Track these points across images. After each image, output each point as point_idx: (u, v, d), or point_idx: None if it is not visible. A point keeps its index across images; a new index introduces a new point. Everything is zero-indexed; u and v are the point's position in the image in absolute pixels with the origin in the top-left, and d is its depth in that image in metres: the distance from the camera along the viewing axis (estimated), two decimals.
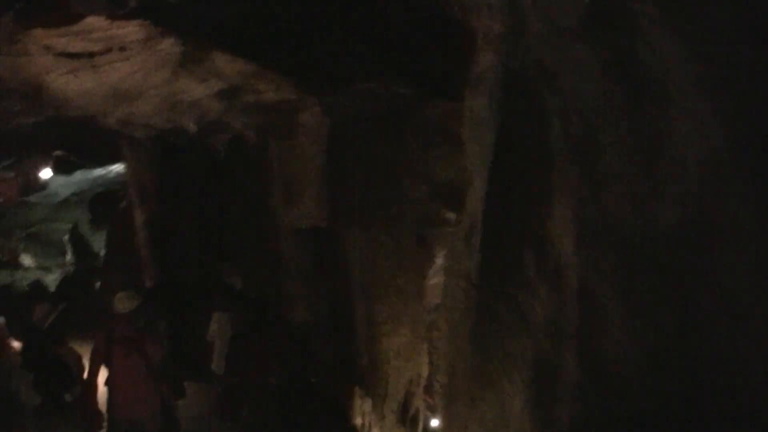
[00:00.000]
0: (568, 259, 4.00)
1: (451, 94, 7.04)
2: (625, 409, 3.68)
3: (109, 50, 7.91)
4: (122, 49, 7.84)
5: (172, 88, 8.34)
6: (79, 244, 22.80)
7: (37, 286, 20.47)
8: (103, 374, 7.39)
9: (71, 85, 8.35)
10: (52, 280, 23.15)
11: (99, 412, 7.44)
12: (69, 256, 24.64)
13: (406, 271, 9.29)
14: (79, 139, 17.82)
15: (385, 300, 9.22)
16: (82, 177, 24.21)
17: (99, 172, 23.51)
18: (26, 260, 25.21)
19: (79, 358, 7.66)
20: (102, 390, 7.51)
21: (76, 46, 7.93)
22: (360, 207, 9.23)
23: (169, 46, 7.56)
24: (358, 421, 9.51)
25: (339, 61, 8.05)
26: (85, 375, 7.52)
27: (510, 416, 4.50)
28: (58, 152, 19.03)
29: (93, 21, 6.88)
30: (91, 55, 7.97)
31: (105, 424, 7.46)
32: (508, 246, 4.46)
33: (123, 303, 7.48)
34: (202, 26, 7.23)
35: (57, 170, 23.87)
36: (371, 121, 8.84)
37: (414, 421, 9.67)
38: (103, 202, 22.01)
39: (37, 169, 22.44)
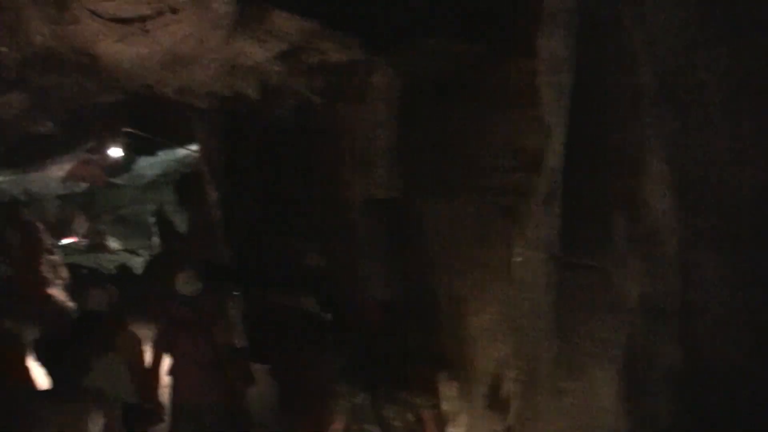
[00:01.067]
0: (666, 223, 3.36)
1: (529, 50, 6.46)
2: (731, 401, 3.07)
3: (160, 13, 7.51)
4: (173, 10, 7.44)
5: (229, 52, 7.91)
6: (165, 226, 22.83)
7: (124, 270, 20.55)
8: (166, 362, 7.09)
9: (125, 52, 8.01)
10: (139, 263, 23.32)
11: (160, 403, 7.15)
12: (155, 239, 24.94)
13: (490, 244, 8.65)
14: (157, 118, 17.79)
15: (468, 275, 8.63)
16: (166, 157, 24.25)
17: (183, 152, 23.47)
18: (113, 243, 25.58)
19: (138, 343, 7.36)
20: (165, 379, 7.22)
21: (126, 9, 7.56)
22: (437, 175, 8.65)
23: (222, 4, 7.13)
24: (444, 406, 9.02)
25: (407, 15, 7.52)
26: (146, 362, 7.23)
27: (600, 409, 3.90)
28: (138, 132, 18.95)
29: None
30: (142, 19, 7.59)
31: (166, 416, 7.17)
32: (594, 210, 3.84)
33: (185, 285, 7.17)
34: None
35: (140, 151, 23.94)
36: (446, 81, 8.25)
37: (505, 405, 9.13)
38: (189, 183, 22.04)
39: (119, 149, 22.48)
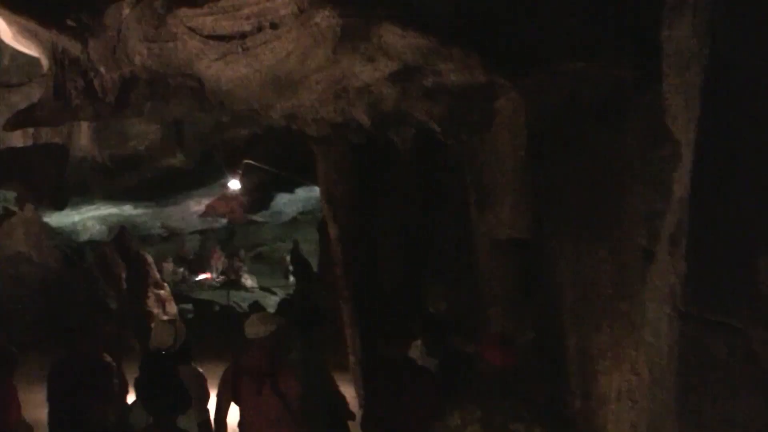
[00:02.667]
0: None
1: None
2: None
3: (259, 29, 7.06)
4: (274, 26, 6.96)
5: (336, 72, 7.34)
6: (300, 266, 22.94)
7: (256, 308, 20.63)
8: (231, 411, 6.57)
9: (225, 72, 7.58)
10: (273, 302, 23.38)
11: None
12: (291, 278, 24.99)
13: (630, 294, 7.71)
14: (290, 153, 17.68)
15: (603, 329, 7.72)
16: (305, 195, 24.36)
17: None
18: (249, 281, 25.90)
19: (202, 381, 6.87)
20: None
21: (224, 26, 7.16)
22: (570, 215, 7.79)
23: (324, 18, 6.61)
24: None
25: (539, 32, 6.75)
26: (213, 412, 6.72)
27: None
28: (264, 167, 18.96)
29: None
30: (241, 36, 7.15)
31: None
32: (730, 251, 2.98)
33: (254, 327, 6.63)
34: None
35: (279, 188, 24.13)
36: (581, 109, 7.45)
37: None
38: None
39: (256, 185, 22.68)
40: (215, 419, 6.55)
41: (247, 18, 7.00)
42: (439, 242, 10.68)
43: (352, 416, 8.03)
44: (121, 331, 9.64)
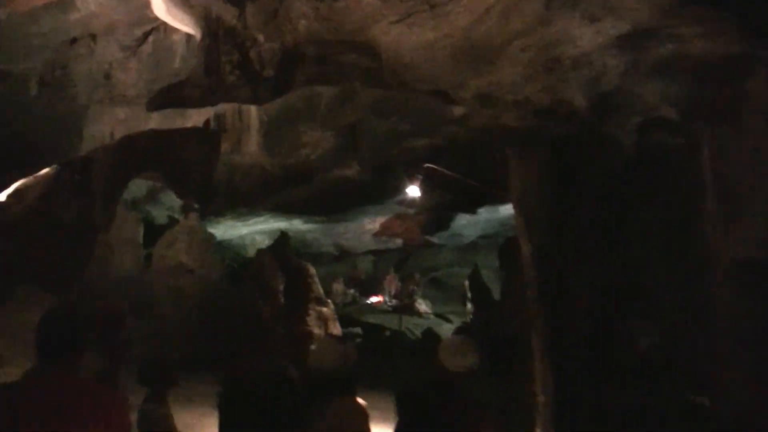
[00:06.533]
0: None
1: None
2: None
3: None
4: None
5: (547, 35, 5.86)
6: (479, 292, 21.77)
7: (429, 335, 19.65)
8: None
9: (407, 39, 6.28)
10: (448, 329, 22.38)
11: None
12: (469, 305, 23.82)
13: None
14: (476, 167, 16.48)
15: None
16: (487, 216, 23.12)
17: (507, 209, 22.17)
18: (423, 306, 24.89)
19: (364, 419, 5.62)
20: None
21: None
22: None
23: None
24: None
25: None
26: None
27: None
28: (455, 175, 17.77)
29: None
30: None
31: None
32: None
33: (454, 358, 5.36)
34: None
35: (460, 208, 23.00)
36: None
37: None
38: (510, 247, 20.96)
39: (435, 204, 21.55)
40: None
41: None
42: (650, 264, 9.05)
43: None
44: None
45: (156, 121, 13.95)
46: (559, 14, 5.69)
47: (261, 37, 6.76)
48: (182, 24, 7.98)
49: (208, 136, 14.06)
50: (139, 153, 13.50)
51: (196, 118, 14.59)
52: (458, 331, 20.01)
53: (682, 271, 7.91)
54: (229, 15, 6.91)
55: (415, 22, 6.07)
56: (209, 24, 7.10)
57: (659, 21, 5.67)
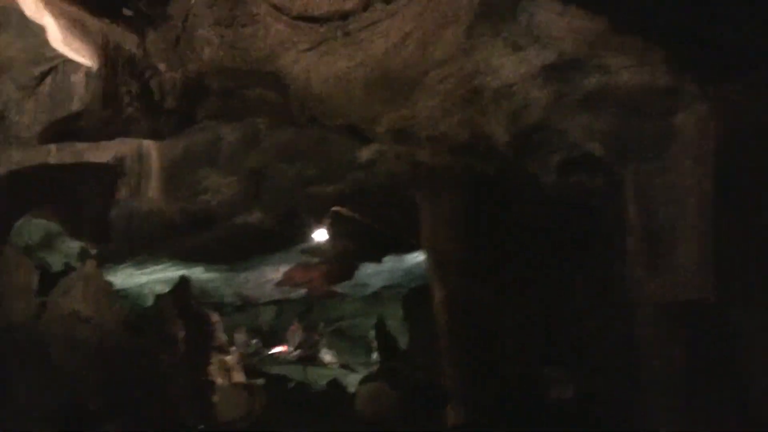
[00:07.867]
0: None
1: None
2: None
3: (367, 5, 5.42)
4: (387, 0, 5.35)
5: (467, 65, 5.61)
6: (385, 342, 21.74)
7: (334, 386, 19.35)
8: None
9: (319, 69, 5.97)
10: (353, 380, 22.05)
11: None
12: (374, 355, 23.80)
13: None
14: (383, 214, 16.30)
15: None
16: (393, 265, 22.97)
17: (412, 258, 22.09)
18: (327, 357, 24.59)
19: None
20: None
21: (321, 3, 5.58)
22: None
23: None
24: None
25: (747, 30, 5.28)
26: None
27: None
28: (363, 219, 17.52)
29: None
30: (342, 15, 5.52)
31: None
32: None
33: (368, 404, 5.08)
34: None
35: (364, 257, 22.84)
36: None
37: None
38: (416, 297, 20.90)
39: (340, 253, 21.32)
40: None
41: None
42: (567, 310, 8.95)
43: None
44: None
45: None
46: (481, 42, 5.45)
47: (162, 66, 6.36)
48: (79, 56, 7.51)
49: (104, 171, 13.51)
50: (29, 188, 12.85)
51: (93, 160, 14.03)
52: (365, 381, 19.82)
53: (604, 314, 7.79)
54: (128, 42, 6.48)
55: (328, 50, 5.77)
56: (107, 52, 6.64)
57: (586, 51, 5.51)
